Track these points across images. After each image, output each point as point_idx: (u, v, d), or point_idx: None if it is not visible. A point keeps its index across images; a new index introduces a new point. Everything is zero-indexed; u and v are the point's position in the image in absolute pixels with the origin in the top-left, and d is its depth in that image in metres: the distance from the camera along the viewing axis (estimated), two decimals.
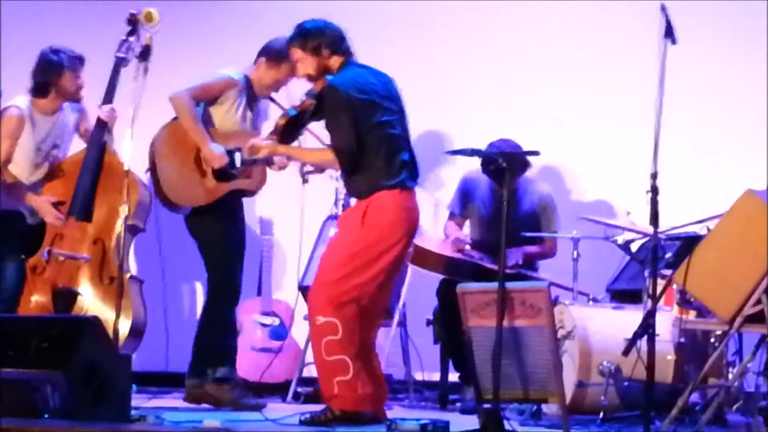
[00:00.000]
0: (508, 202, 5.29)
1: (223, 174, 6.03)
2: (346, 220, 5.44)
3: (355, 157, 5.14)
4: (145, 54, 5.51)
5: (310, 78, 5.26)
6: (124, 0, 6.82)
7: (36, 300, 6.42)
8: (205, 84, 6.00)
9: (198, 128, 5.95)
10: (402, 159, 5.25)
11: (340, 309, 5.16)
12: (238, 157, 6.00)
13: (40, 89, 6.28)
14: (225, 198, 6.11)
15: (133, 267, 6.63)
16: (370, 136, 5.17)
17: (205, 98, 6.11)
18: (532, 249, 6.52)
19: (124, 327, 6.06)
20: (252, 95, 6.11)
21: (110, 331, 5.40)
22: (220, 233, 6.17)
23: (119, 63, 6.12)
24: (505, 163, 5.31)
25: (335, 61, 5.21)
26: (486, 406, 5.07)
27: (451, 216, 6.71)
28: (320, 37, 5.21)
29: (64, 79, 6.25)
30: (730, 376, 5.59)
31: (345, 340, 5.14)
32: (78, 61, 6.35)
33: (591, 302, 6.16)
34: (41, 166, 6.41)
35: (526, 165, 6.35)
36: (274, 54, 5.98)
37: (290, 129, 5.36)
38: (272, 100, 6.25)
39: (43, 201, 6.25)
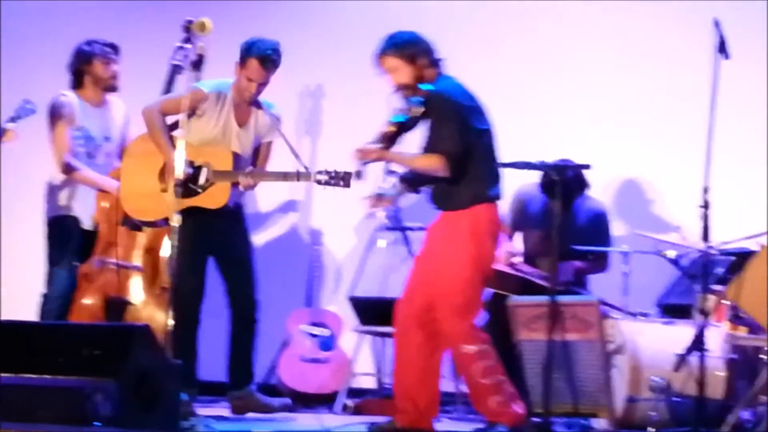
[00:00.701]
0: (562, 217, 5.37)
1: (186, 190, 5.97)
2: (449, 233, 5.32)
3: (463, 163, 5.14)
4: (198, 64, 5.50)
5: (403, 87, 5.23)
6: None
7: (86, 306, 6.50)
8: (174, 97, 6.01)
9: (163, 142, 6.00)
10: (498, 170, 5.30)
11: (479, 332, 5.25)
12: (204, 173, 6.01)
13: (75, 78, 6.43)
14: (188, 213, 6.01)
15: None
16: (476, 143, 5.18)
17: (177, 111, 6.02)
18: (584, 265, 6.50)
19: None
20: (238, 106, 6.10)
21: (161, 340, 5.39)
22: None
23: (175, 70, 6.18)
24: (557, 176, 5.35)
25: (431, 72, 5.23)
26: (535, 419, 5.22)
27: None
28: (416, 47, 5.22)
29: (95, 66, 6.38)
30: None
31: (496, 361, 5.28)
32: (110, 48, 6.45)
33: (640, 317, 6.12)
34: (93, 157, 6.46)
35: (583, 185, 6.37)
36: (241, 53, 6.00)
37: (396, 135, 5.43)
38: (257, 104, 6.17)
39: (100, 176, 6.34)
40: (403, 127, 5.27)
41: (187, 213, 5.77)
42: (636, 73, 7.20)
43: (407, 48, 5.23)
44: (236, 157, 6.08)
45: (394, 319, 5.53)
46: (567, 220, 6.22)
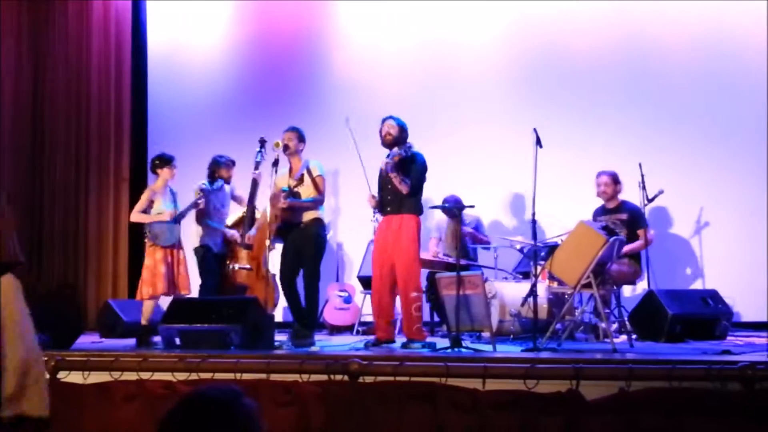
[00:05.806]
0: (457, 225, 7.17)
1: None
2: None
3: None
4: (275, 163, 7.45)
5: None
6: None
7: (226, 288, 8.24)
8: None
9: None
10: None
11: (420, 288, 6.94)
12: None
13: (210, 173, 8.26)
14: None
15: (272, 268, 7.91)
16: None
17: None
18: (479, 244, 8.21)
19: (270, 301, 7.67)
20: None
21: (263, 303, 7.27)
22: None
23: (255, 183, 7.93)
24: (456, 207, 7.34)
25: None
26: (453, 333, 6.73)
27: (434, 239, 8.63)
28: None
29: (222, 169, 8.28)
30: (576, 314, 7.28)
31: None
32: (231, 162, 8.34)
33: (503, 279, 8.14)
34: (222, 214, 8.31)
35: (462, 210, 7.67)
36: None
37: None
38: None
39: (233, 233, 8.25)
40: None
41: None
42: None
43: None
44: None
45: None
46: (460, 227, 7.76)
